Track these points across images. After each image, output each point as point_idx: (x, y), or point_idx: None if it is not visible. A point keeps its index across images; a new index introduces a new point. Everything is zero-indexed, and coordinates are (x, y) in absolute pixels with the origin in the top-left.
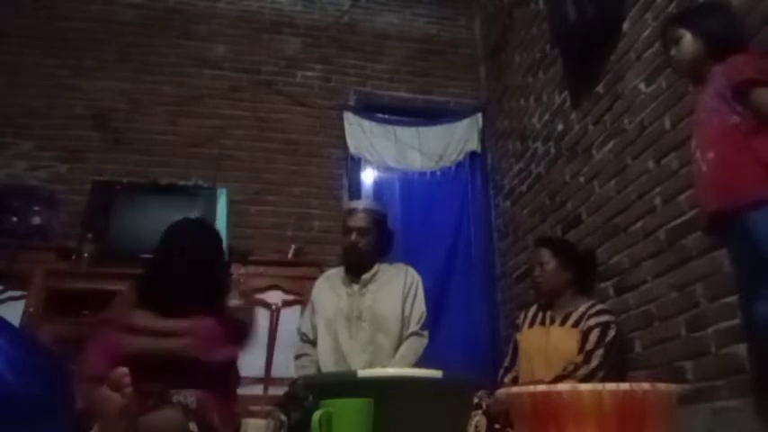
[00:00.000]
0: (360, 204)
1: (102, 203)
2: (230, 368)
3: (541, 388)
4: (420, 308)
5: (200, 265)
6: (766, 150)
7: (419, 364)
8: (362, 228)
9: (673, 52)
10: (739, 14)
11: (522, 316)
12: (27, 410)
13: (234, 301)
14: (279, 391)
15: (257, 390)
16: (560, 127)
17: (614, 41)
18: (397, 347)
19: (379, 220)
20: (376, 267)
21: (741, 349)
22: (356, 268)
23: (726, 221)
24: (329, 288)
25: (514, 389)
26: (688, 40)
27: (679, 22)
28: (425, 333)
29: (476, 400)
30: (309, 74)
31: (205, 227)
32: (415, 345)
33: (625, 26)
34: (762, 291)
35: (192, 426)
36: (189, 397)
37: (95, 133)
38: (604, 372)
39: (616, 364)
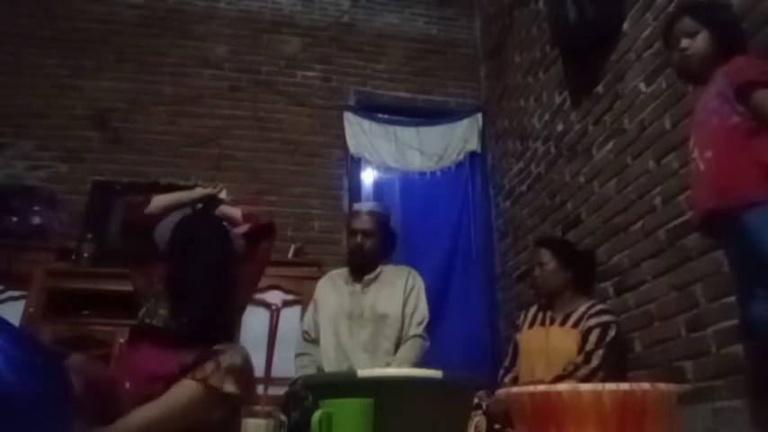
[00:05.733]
0: (364, 207)
1: (102, 203)
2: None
3: (541, 388)
4: (422, 311)
5: (214, 264)
6: (765, 152)
7: (420, 366)
8: (367, 230)
9: (684, 44)
10: (739, 14)
11: (522, 316)
12: (27, 410)
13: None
14: (279, 391)
15: (257, 390)
16: (560, 127)
17: (614, 41)
18: (398, 347)
19: (383, 223)
20: (379, 269)
21: (741, 349)
22: (360, 269)
23: (721, 221)
24: (332, 287)
25: (514, 389)
26: (705, 36)
27: (694, 15)
28: (427, 337)
29: (476, 400)
30: (309, 74)
31: (215, 223)
32: (417, 347)
33: (625, 26)
34: (758, 291)
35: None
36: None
37: (95, 133)
38: (604, 372)
39: (616, 364)
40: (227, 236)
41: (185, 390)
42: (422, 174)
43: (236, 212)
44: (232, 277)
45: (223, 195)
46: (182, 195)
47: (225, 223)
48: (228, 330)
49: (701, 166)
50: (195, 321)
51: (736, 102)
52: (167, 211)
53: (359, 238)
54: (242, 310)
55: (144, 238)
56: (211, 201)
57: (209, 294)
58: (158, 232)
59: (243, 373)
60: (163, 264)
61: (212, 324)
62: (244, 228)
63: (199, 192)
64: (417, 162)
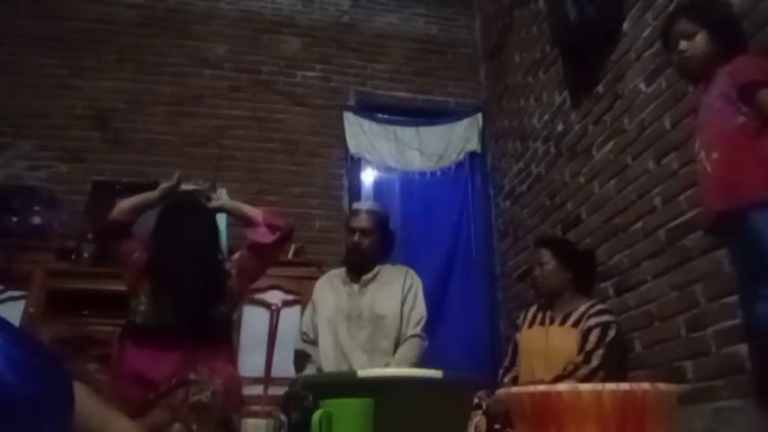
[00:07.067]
0: (363, 206)
1: (102, 203)
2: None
3: (541, 388)
4: (420, 310)
5: (197, 251)
6: None
7: (419, 366)
8: (365, 228)
9: (683, 46)
10: (739, 14)
11: (522, 316)
12: (27, 410)
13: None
14: (279, 391)
15: (257, 390)
16: (560, 127)
17: (614, 41)
18: (397, 347)
19: (381, 222)
20: (377, 268)
21: (741, 349)
22: (358, 268)
23: (729, 221)
24: (330, 287)
25: (514, 389)
26: (703, 37)
27: (691, 16)
28: (426, 337)
29: (476, 400)
30: (309, 74)
31: (199, 211)
32: (416, 346)
33: (625, 26)
34: (761, 291)
35: None
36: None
37: (95, 133)
38: (604, 372)
39: (616, 364)
40: (213, 223)
41: (155, 420)
42: (422, 174)
43: (254, 213)
44: (220, 268)
45: (219, 188)
46: (145, 196)
47: (219, 215)
48: (223, 326)
49: (709, 168)
50: (184, 314)
51: (739, 102)
52: (133, 214)
53: (357, 237)
54: (237, 306)
55: (121, 239)
56: (177, 191)
57: (196, 283)
58: (141, 225)
59: (206, 410)
60: (147, 256)
61: (204, 317)
62: (268, 237)
63: (162, 188)
64: (417, 162)
